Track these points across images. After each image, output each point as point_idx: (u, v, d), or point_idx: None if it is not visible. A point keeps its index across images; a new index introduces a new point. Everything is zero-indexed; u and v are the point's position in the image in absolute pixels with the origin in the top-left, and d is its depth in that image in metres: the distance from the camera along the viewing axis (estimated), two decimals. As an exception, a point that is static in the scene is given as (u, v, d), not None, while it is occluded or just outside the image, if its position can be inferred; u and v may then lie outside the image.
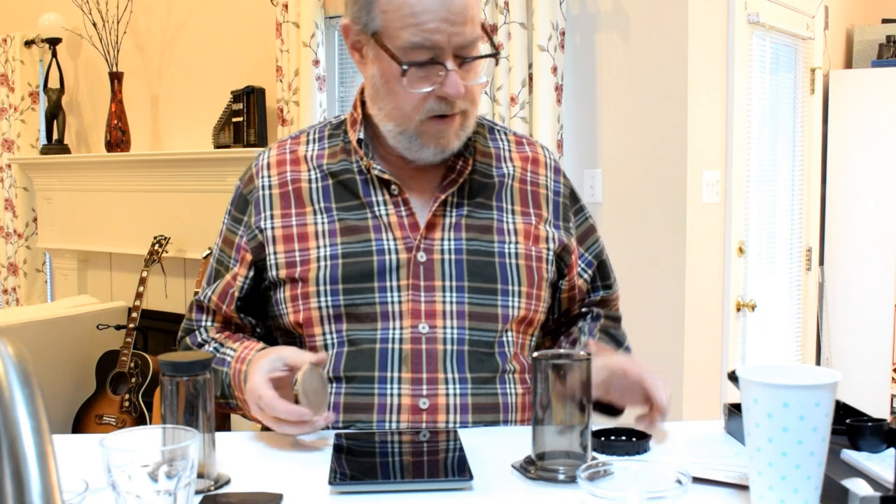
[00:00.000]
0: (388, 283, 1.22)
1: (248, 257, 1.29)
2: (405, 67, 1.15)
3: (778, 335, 3.50)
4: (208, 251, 3.41)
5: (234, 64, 3.71)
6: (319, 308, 1.22)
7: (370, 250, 1.23)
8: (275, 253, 1.26)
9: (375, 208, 1.26)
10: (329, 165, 1.29)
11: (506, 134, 1.38)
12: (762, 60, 3.23)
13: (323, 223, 1.26)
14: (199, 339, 1.34)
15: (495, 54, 1.22)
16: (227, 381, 1.24)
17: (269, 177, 1.30)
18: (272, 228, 1.27)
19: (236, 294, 1.31)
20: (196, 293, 1.40)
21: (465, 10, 1.14)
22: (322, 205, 1.27)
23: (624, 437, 1.12)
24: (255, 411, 1.14)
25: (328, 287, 1.22)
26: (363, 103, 1.29)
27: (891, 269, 3.61)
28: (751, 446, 0.86)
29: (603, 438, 1.11)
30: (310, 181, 1.29)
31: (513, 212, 1.30)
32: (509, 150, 1.36)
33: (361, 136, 1.27)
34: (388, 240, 1.24)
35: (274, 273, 1.26)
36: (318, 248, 1.24)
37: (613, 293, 1.42)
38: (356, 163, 1.28)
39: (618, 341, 1.38)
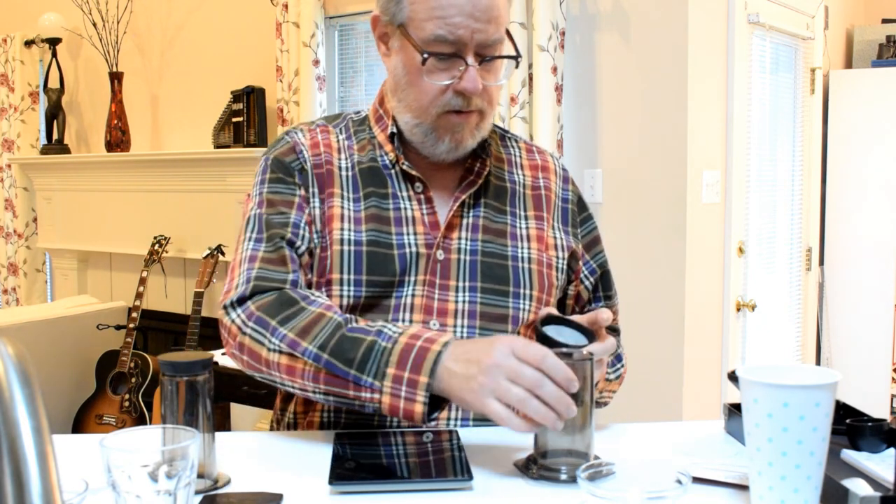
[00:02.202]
0: (406, 278, 1.23)
1: (309, 220, 1.24)
2: (425, 56, 1.17)
3: (778, 335, 3.50)
4: (208, 251, 3.41)
5: (234, 64, 3.71)
6: (341, 297, 1.21)
7: (391, 242, 1.23)
8: (317, 232, 1.25)
9: (400, 202, 1.27)
10: (359, 157, 1.30)
11: (516, 142, 1.40)
12: (762, 60, 3.23)
13: (349, 208, 1.25)
14: (312, 296, 1.16)
15: (516, 57, 1.23)
16: (382, 353, 1.06)
17: (309, 156, 1.28)
18: (316, 207, 1.26)
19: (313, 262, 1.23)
20: (256, 249, 1.20)
21: (490, 9, 1.16)
22: (350, 193, 1.27)
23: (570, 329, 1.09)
24: (493, 377, 0.98)
25: (352, 277, 1.21)
26: (387, 99, 1.31)
27: (891, 269, 3.61)
28: (751, 446, 0.86)
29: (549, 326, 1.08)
30: (341, 168, 1.29)
31: (525, 217, 1.31)
32: (520, 157, 1.37)
33: (394, 129, 1.28)
34: (408, 234, 1.25)
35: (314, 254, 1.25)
36: (342, 230, 1.23)
37: (614, 305, 1.40)
38: (382, 157, 1.29)
39: None
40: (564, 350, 1.03)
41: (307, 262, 1.22)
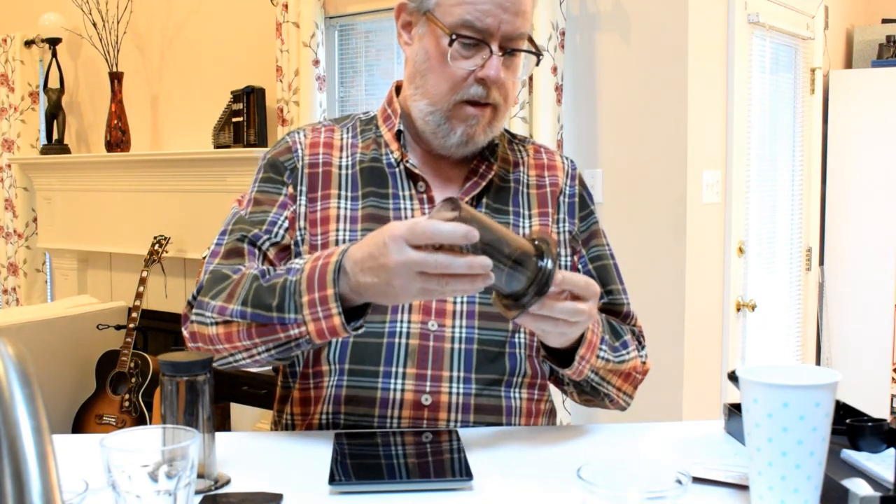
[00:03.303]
0: None
1: (291, 217, 1.26)
2: (453, 37, 1.18)
3: (778, 335, 3.50)
4: (208, 251, 3.41)
5: (234, 64, 3.71)
6: None
7: None
8: (302, 229, 1.26)
9: (400, 201, 1.27)
10: (362, 155, 1.30)
11: (524, 144, 1.40)
12: (762, 60, 3.23)
13: (346, 208, 1.26)
14: (242, 268, 1.19)
15: (538, 53, 1.24)
16: (293, 287, 1.08)
17: (304, 155, 1.30)
18: (304, 206, 1.27)
19: (292, 258, 1.25)
20: (219, 244, 1.25)
21: (519, 1, 1.19)
22: (348, 192, 1.27)
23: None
24: (405, 276, 0.98)
25: None
26: (397, 96, 1.31)
27: (891, 269, 3.61)
28: (751, 446, 0.86)
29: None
30: (340, 167, 1.29)
31: (529, 216, 1.31)
32: (527, 157, 1.37)
33: (401, 128, 1.29)
34: None
35: (299, 249, 1.25)
36: (338, 231, 1.24)
37: (621, 304, 1.35)
38: (386, 155, 1.30)
39: (615, 332, 1.27)
40: (442, 205, 1.01)
41: (276, 255, 1.24)
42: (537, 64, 1.27)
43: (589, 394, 1.28)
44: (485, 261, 0.96)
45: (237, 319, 1.13)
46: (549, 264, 1.00)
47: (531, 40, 1.25)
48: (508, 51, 1.20)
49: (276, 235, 1.24)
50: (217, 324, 1.15)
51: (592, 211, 1.39)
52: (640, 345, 1.36)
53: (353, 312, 1.08)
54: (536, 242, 1.02)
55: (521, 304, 1.01)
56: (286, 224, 1.25)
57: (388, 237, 0.99)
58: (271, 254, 1.23)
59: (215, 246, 1.25)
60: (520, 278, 1.00)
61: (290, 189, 1.27)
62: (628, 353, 1.27)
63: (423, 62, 1.24)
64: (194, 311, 1.19)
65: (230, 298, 1.14)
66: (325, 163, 1.29)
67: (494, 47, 1.19)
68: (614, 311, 1.35)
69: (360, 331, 1.10)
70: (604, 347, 1.21)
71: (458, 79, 1.20)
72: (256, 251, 1.23)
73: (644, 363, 1.34)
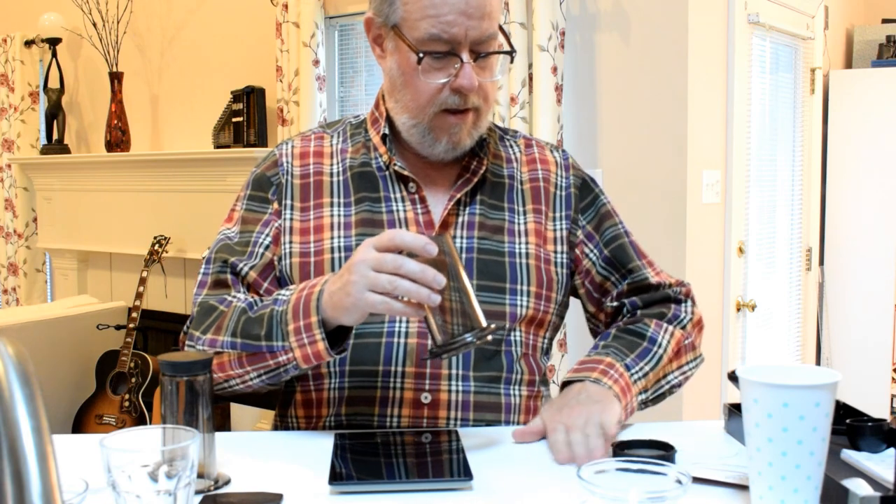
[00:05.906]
0: None
1: (275, 233, 1.27)
2: (421, 55, 1.17)
3: (778, 335, 3.50)
4: (208, 251, 3.41)
5: (234, 64, 3.71)
6: None
7: None
8: (290, 242, 1.27)
9: (392, 204, 1.27)
10: (352, 160, 1.31)
11: (515, 139, 1.40)
12: (762, 60, 3.23)
13: (339, 215, 1.27)
14: (228, 298, 1.22)
15: (510, 52, 1.24)
16: (280, 316, 1.12)
17: (293, 166, 1.31)
18: (290, 220, 1.27)
19: (277, 276, 1.27)
20: (206, 273, 1.28)
21: (483, 5, 1.17)
22: (340, 199, 1.28)
23: (647, 448, 1.08)
24: (360, 273, 1.02)
25: None
26: (384, 101, 1.31)
27: (891, 269, 3.61)
28: (751, 446, 0.86)
29: (626, 450, 1.07)
30: (331, 175, 1.30)
31: (524, 212, 1.31)
32: (518, 153, 1.37)
33: (386, 131, 1.29)
34: None
35: (287, 262, 1.26)
36: (333, 238, 1.25)
37: (644, 279, 1.34)
38: (376, 159, 1.30)
39: (638, 334, 1.27)
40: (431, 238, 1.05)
41: (258, 275, 1.25)
42: (511, 61, 1.27)
43: (657, 401, 1.28)
44: (438, 276, 1.01)
45: (227, 350, 1.16)
46: (470, 340, 1.02)
47: (503, 31, 1.23)
48: (482, 54, 1.19)
49: (257, 256, 1.26)
50: None
51: (597, 194, 1.38)
52: (678, 303, 1.34)
53: (338, 339, 1.11)
54: (490, 324, 1.04)
55: (432, 353, 1.04)
56: (268, 241, 1.27)
57: (361, 245, 1.06)
58: (252, 276, 1.25)
59: (202, 276, 1.28)
60: (449, 328, 1.02)
61: (275, 205, 1.29)
62: (660, 345, 1.26)
63: (397, 77, 1.24)
64: (187, 342, 1.22)
65: (219, 331, 1.18)
66: (316, 172, 1.30)
67: (465, 56, 1.18)
68: (641, 287, 1.34)
69: (344, 354, 1.13)
70: (633, 371, 1.21)
71: (434, 91, 1.20)
72: (238, 279, 1.26)
73: (685, 327, 1.31)
